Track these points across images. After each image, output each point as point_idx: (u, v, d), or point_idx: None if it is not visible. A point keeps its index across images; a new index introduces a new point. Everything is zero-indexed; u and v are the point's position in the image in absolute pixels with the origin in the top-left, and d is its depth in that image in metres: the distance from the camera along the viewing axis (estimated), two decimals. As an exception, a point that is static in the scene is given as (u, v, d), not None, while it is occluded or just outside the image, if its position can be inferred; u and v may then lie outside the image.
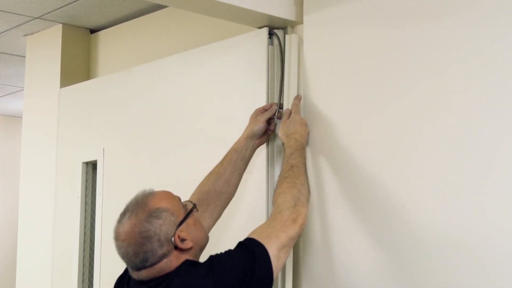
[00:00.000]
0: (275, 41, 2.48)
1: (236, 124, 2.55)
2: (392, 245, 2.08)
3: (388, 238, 2.09)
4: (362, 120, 2.21)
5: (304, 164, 2.19)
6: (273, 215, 2.02)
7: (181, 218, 1.93)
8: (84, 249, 3.38)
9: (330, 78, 2.33)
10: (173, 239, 1.88)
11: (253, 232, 1.97)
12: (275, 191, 2.11)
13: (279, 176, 2.16)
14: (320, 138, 2.33)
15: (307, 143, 2.31)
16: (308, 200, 2.11)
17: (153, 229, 1.87)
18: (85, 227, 3.39)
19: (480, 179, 1.90)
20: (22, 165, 3.95)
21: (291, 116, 2.33)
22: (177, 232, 1.90)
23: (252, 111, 2.43)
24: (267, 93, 2.45)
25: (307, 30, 2.42)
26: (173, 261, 1.88)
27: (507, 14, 1.88)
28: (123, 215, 1.93)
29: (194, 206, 2.00)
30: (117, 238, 1.92)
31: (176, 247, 1.89)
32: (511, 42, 1.87)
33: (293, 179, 2.11)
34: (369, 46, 2.21)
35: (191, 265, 1.88)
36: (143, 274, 1.89)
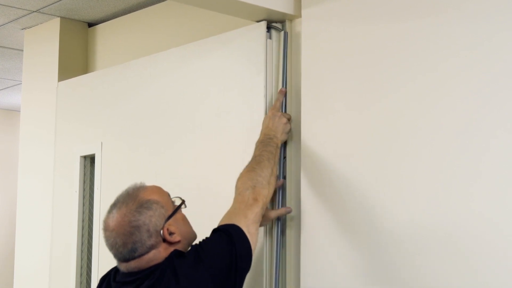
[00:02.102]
0: (273, 35, 2.48)
1: (234, 118, 2.55)
2: (387, 245, 2.08)
3: (384, 238, 2.09)
4: (359, 114, 2.21)
5: (270, 152, 2.25)
6: (235, 198, 2.13)
7: (170, 212, 1.97)
8: (82, 243, 3.38)
9: (328, 72, 2.32)
10: (161, 231, 1.91)
11: (223, 219, 2.06)
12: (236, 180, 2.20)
13: None
14: (316, 133, 2.33)
15: (283, 133, 2.34)
16: (269, 182, 2.19)
17: (142, 219, 1.91)
18: (83, 221, 3.39)
19: (472, 178, 1.91)
20: (20, 159, 3.95)
21: (271, 110, 2.39)
22: (166, 225, 1.94)
23: (250, 105, 2.45)
24: (265, 87, 2.45)
25: (305, 24, 2.41)
26: (161, 252, 1.92)
27: (502, 11, 1.89)
28: (113, 206, 1.97)
29: (183, 202, 2.03)
30: (106, 228, 1.95)
31: (164, 240, 1.92)
32: (507, 40, 1.87)
33: (252, 165, 2.21)
34: (367, 40, 2.21)
35: (179, 256, 1.91)
36: (132, 265, 1.91)
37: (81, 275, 3.37)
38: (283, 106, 2.43)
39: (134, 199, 1.94)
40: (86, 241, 3.38)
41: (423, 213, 2.00)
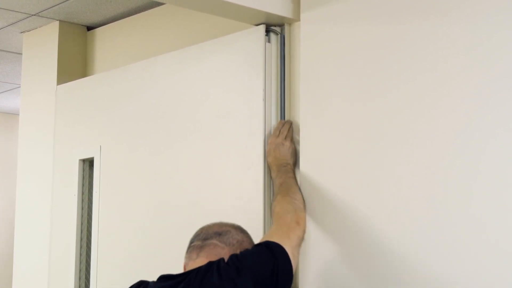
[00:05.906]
0: (272, 38, 2.49)
1: (233, 120, 2.55)
2: (386, 246, 2.09)
3: (384, 239, 2.10)
4: (358, 116, 2.21)
5: (292, 177, 2.29)
6: (276, 221, 2.12)
7: None
8: (81, 246, 3.37)
9: (327, 74, 2.33)
10: None
11: (264, 238, 2.04)
12: (271, 208, 2.22)
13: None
14: (315, 135, 2.33)
15: (292, 157, 2.35)
16: (304, 206, 2.22)
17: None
18: (82, 224, 3.39)
19: (471, 178, 1.91)
20: (19, 162, 3.95)
21: (271, 139, 2.39)
22: None
23: (250, 107, 2.45)
24: (264, 90, 2.45)
25: (304, 27, 2.42)
26: None
27: (502, 11, 1.89)
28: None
29: None
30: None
31: None
32: (506, 40, 1.88)
33: (284, 192, 2.22)
34: (366, 43, 2.21)
35: (223, 261, 1.91)
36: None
37: (80, 278, 3.37)
38: (283, 109, 2.44)
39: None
40: (85, 245, 3.37)
41: (423, 214, 2.00)
